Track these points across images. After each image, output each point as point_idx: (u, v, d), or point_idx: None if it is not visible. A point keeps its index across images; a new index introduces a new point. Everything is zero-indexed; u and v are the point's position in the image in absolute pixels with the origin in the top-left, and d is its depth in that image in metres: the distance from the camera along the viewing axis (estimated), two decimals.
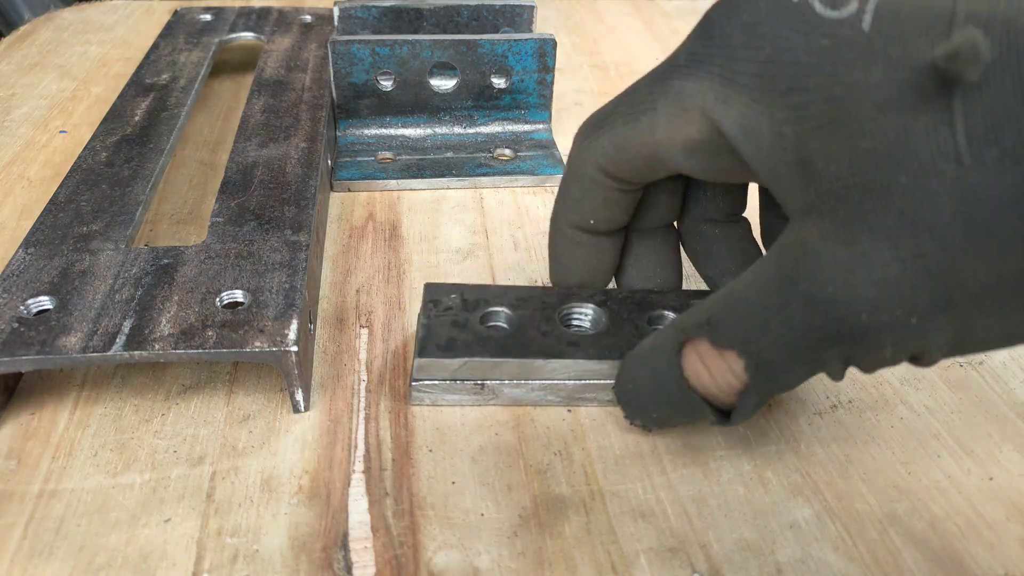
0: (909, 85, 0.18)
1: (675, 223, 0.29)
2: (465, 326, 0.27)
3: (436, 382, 0.26)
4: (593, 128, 0.25)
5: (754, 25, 0.21)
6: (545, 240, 0.35)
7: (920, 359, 0.20)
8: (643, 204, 0.28)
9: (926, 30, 0.19)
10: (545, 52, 0.41)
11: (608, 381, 0.26)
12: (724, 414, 0.23)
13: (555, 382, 0.26)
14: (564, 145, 0.43)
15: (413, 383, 0.26)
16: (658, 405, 0.24)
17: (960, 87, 0.18)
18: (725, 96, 0.22)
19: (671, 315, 0.28)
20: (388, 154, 0.40)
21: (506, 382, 0.26)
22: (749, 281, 0.21)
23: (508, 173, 0.39)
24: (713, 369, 0.22)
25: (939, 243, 0.18)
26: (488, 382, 0.26)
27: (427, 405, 0.27)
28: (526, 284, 0.33)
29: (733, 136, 0.22)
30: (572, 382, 0.26)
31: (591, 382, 0.27)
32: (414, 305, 0.32)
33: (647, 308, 0.28)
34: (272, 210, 0.31)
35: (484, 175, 0.39)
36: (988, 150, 0.18)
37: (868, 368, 0.21)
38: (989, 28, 0.18)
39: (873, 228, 0.19)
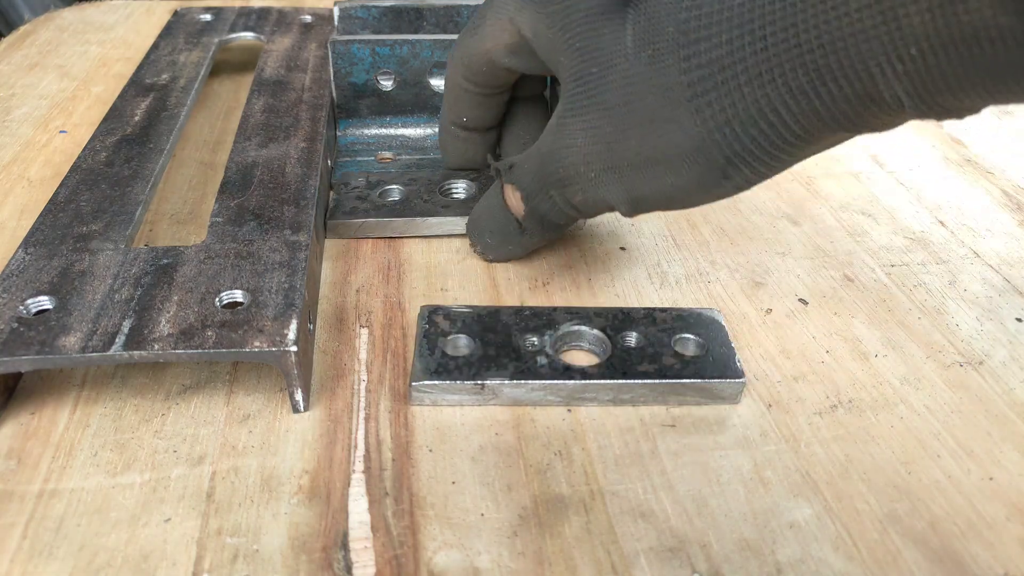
0: None
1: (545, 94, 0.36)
2: (366, 199, 0.36)
3: (436, 383, 0.26)
4: (457, 41, 0.32)
5: None
6: None
7: (615, 210, 0.28)
8: (520, 80, 0.34)
9: None
10: None
11: (607, 382, 0.27)
12: (521, 229, 0.31)
13: (554, 383, 0.27)
14: None
15: (413, 383, 0.27)
16: (490, 225, 0.32)
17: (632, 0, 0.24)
18: (521, 7, 0.28)
19: None
20: (388, 154, 0.40)
21: (506, 382, 0.27)
22: (539, 139, 0.29)
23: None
24: (513, 197, 0.30)
25: (610, 120, 0.25)
26: (488, 382, 0.27)
27: (428, 405, 0.27)
28: (527, 286, 0.33)
29: (528, 37, 0.28)
30: (571, 382, 0.27)
31: (591, 382, 0.27)
32: (414, 305, 0.32)
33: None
34: (272, 210, 0.31)
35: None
36: (644, 49, 0.24)
37: (583, 210, 0.29)
38: None
39: (576, 106, 0.26)
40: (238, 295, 0.27)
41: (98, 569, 0.22)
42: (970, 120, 0.49)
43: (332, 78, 0.40)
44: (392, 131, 0.41)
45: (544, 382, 0.27)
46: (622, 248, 0.36)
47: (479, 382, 0.27)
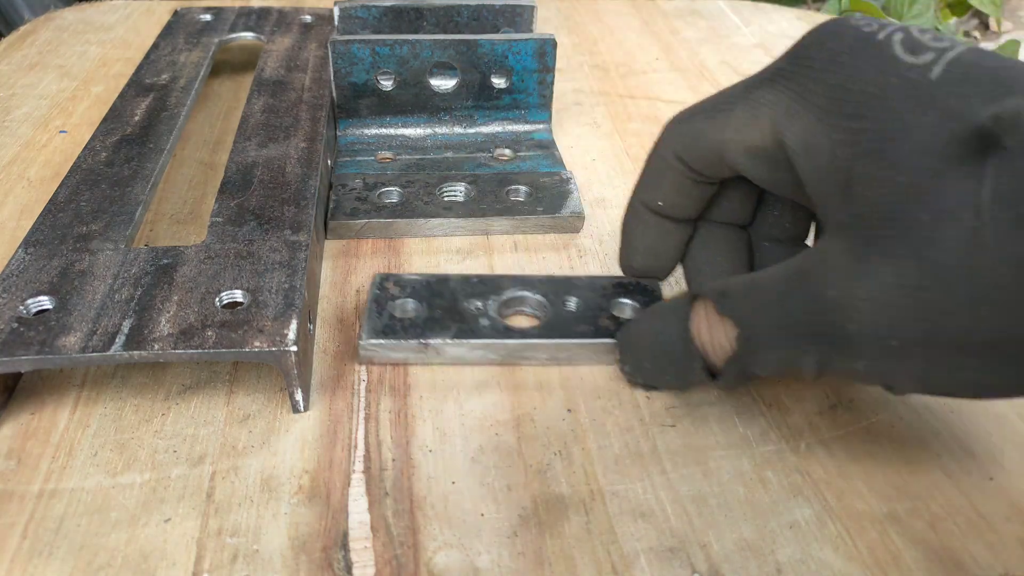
0: (954, 136, 0.20)
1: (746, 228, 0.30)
2: (366, 200, 0.35)
3: (382, 342, 0.28)
4: (680, 117, 0.27)
5: (836, 52, 0.22)
6: (544, 241, 0.35)
7: (890, 388, 0.22)
8: (717, 198, 0.29)
9: (985, 92, 0.20)
10: (545, 52, 0.40)
11: (544, 341, 0.28)
12: (710, 375, 0.25)
13: (493, 342, 0.28)
14: (563, 145, 0.43)
15: (360, 342, 0.28)
16: (656, 354, 0.26)
17: (997, 149, 0.19)
18: (794, 111, 0.23)
19: (524, 188, 0.36)
20: (388, 154, 0.40)
21: (448, 342, 0.28)
22: (771, 271, 0.23)
23: (517, 213, 0.36)
24: (713, 330, 0.24)
25: (939, 283, 0.19)
26: (431, 342, 0.28)
27: (375, 364, 0.28)
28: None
29: (792, 148, 0.23)
30: (511, 342, 0.28)
31: (529, 342, 0.28)
32: None
33: (505, 184, 0.36)
34: (272, 210, 0.31)
35: (493, 216, 0.36)
36: (1007, 211, 0.19)
37: (838, 376, 0.23)
38: None
39: (886, 252, 0.20)
40: (238, 295, 0.27)
41: (98, 569, 0.22)
42: None
43: (332, 78, 0.40)
44: (392, 131, 0.41)
45: (484, 341, 0.28)
46: None
47: (423, 341, 0.28)
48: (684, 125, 0.27)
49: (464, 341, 0.28)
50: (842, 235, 0.21)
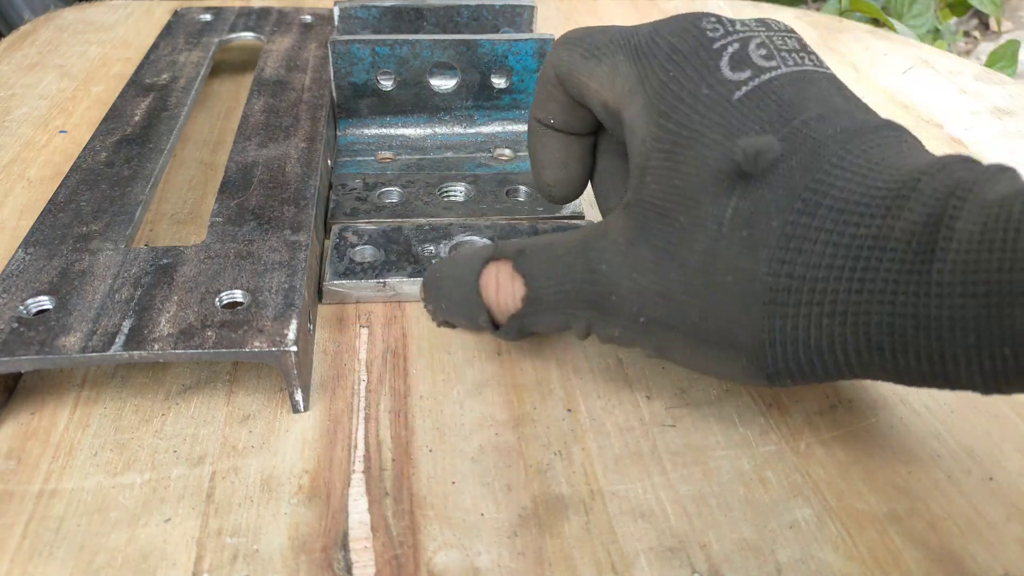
0: (724, 157, 0.22)
1: None
2: (366, 200, 0.36)
3: (344, 282, 0.31)
4: (567, 41, 0.28)
5: (675, 49, 0.24)
6: None
7: (634, 348, 0.27)
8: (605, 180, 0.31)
9: (763, 122, 0.22)
10: (545, 52, 0.40)
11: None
12: (494, 326, 0.27)
13: None
14: None
15: (324, 284, 0.31)
16: (451, 300, 0.27)
17: (744, 177, 0.22)
18: (636, 91, 0.25)
19: (524, 188, 0.36)
20: (388, 154, 0.40)
21: (404, 280, 0.31)
22: (566, 236, 0.26)
23: (517, 213, 0.36)
24: (503, 288, 0.26)
25: (683, 278, 0.23)
26: (388, 280, 0.31)
27: (337, 303, 0.31)
28: None
29: (625, 122, 0.25)
30: None
31: None
32: (415, 305, 0.32)
33: (505, 184, 0.37)
34: (272, 210, 0.31)
35: (493, 216, 0.36)
36: (741, 230, 0.22)
37: (602, 339, 0.25)
38: (791, 141, 0.22)
39: (652, 242, 0.23)
40: (238, 295, 0.27)
41: (98, 569, 0.22)
42: (970, 120, 0.49)
43: (332, 78, 0.40)
44: (392, 131, 0.41)
45: None
46: None
47: (381, 280, 0.31)
48: (564, 51, 0.27)
49: (419, 279, 0.31)
50: (627, 214, 0.24)
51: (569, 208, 0.36)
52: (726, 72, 0.23)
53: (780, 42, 0.24)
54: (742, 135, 0.22)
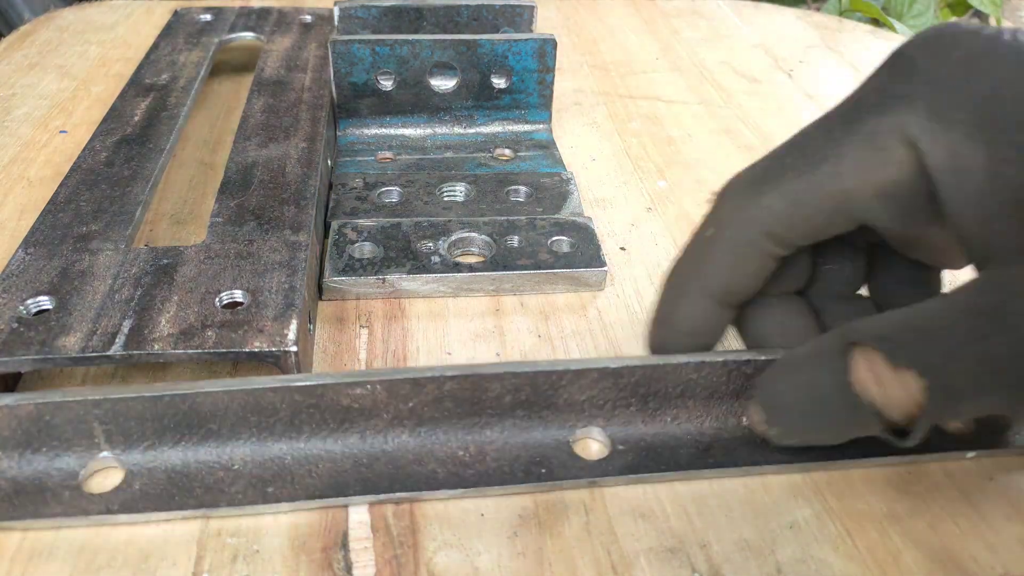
0: None
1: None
2: (366, 200, 0.36)
3: (344, 279, 0.31)
4: (754, 184, 0.23)
5: (970, 60, 0.20)
6: None
7: None
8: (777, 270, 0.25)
9: None
10: (545, 52, 0.40)
11: (489, 273, 0.31)
12: (896, 432, 0.21)
13: (444, 275, 0.31)
14: (563, 145, 0.43)
15: (324, 280, 0.31)
16: (811, 410, 0.22)
17: None
18: (932, 131, 0.20)
19: (524, 188, 0.37)
20: (388, 154, 0.40)
21: (403, 276, 0.31)
22: (934, 309, 0.20)
23: (517, 213, 0.35)
24: (886, 384, 0.20)
25: None
26: (388, 277, 0.31)
27: (337, 299, 0.31)
28: None
29: (939, 173, 0.20)
30: (459, 275, 0.31)
31: (476, 274, 0.31)
32: (415, 305, 0.32)
33: (506, 184, 0.37)
34: (272, 210, 0.31)
35: (493, 216, 0.35)
36: None
37: None
38: None
39: None
40: (238, 295, 0.27)
41: (98, 569, 0.22)
42: None
43: (332, 78, 0.40)
44: (392, 131, 0.41)
45: (436, 275, 0.31)
46: (622, 248, 0.36)
47: (380, 277, 0.31)
48: (770, 193, 0.22)
49: (418, 276, 0.31)
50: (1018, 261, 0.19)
51: (569, 208, 0.36)
52: None
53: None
54: None
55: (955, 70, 0.20)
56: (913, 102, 0.20)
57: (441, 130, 0.42)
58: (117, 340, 0.25)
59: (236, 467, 0.23)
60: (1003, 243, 0.20)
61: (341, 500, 0.23)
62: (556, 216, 0.35)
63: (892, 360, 0.20)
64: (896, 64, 0.21)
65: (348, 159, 0.40)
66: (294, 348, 0.25)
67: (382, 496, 0.23)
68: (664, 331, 0.25)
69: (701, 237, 0.24)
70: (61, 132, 0.43)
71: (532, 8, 0.44)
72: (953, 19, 1.43)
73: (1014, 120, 0.19)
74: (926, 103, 0.20)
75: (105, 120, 0.38)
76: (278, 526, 0.23)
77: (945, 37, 0.21)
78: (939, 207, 0.21)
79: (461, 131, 0.42)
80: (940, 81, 0.20)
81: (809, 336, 0.24)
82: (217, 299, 0.27)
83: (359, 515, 0.23)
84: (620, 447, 0.25)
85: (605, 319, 0.31)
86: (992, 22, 1.57)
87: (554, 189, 0.37)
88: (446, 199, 0.36)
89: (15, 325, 0.25)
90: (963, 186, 0.20)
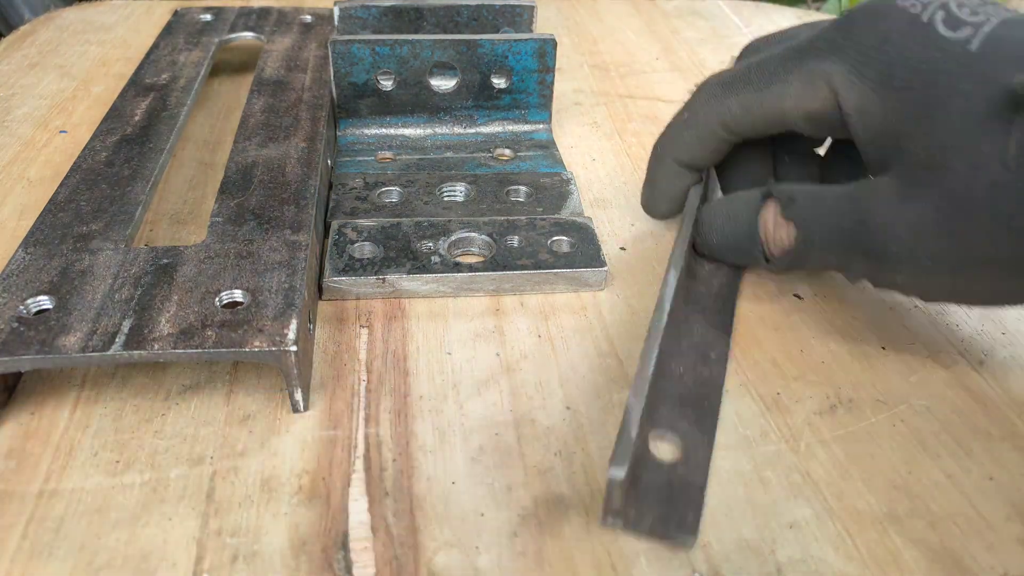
0: (988, 100, 0.24)
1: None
2: (366, 199, 0.36)
3: (344, 278, 0.31)
4: (723, 88, 0.31)
5: (888, 33, 0.27)
6: None
7: (922, 297, 0.28)
8: (740, 168, 0.34)
9: (1016, 61, 0.24)
10: (545, 52, 0.41)
11: (489, 274, 0.31)
12: (765, 259, 0.30)
13: (445, 275, 0.31)
14: (563, 145, 0.43)
15: (324, 280, 0.31)
16: (724, 235, 0.31)
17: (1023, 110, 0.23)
18: (850, 82, 0.27)
19: (524, 188, 0.37)
20: (388, 154, 0.40)
21: (403, 276, 0.31)
22: (830, 189, 0.28)
23: (517, 213, 0.35)
24: (774, 227, 0.29)
25: (968, 220, 0.24)
26: (388, 277, 0.31)
27: (337, 299, 0.31)
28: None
29: (849, 113, 0.28)
30: (459, 275, 0.31)
31: (476, 274, 0.31)
32: (415, 306, 0.32)
33: (506, 184, 0.37)
34: (272, 210, 0.31)
35: (493, 216, 0.35)
36: None
37: (877, 283, 0.28)
38: None
39: (926, 192, 0.25)
40: (238, 295, 0.27)
41: (98, 569, 0.22)
42: None
43: (332, 78, 0.40)
44: (392, 131, 0.41)
45: (436, 275, 0.31)
46: (622, 248, 0.36)
47: (380, 276, 0.31)
48: (731, 98, 0.30)
49: (418, 276, 0.31)
50: (890, 175, 0.26)
51: (569, 208, 0.36)
52: (947, 34, 0.25)
53: (968, 4, 0.26)
54: (1000, 76, 0.24)
55: (876, 39, 0.27)
56: (844, 57, 0.27)
57: (441, 130, 0.42)
58: (117, 340, 0.25)
59: None
60: (879, 164, 0.27)
61: None
62: (556, 216, 0.35)
63: (784, 212, 0.29)
64: (843, 22, 0.28)
65: (348, 159, 0.40)
66: (294, 348, 0.25)
67: None
68: (649, 190, 0.35)
69: (679, 119, 0.33)
70: (61, 132, 0.43)
71: (532, 8, 0.44)
72: None
73: (903, 83, 0.26)
74: (851, 60, 0.27)
75: (105, 120, 0.38)
76: (278, 526, 0.23)
77: (880, 10, 0.27)
78: (847, 130, 0.28)
79: (461, 131, 0.42)
80: (863, 45, 0.27)
81: (681, 196, 0.34)
82: (217, 299, 0.27)
83: (359, 515, 0.23)
84: None
85: (605, 319, 0.31)
86: None
87: (554, 189, 0.37)
88: (446, 199, 0.36)
89: (15, 325, 0.25)
90: (865, 124, 0.27)
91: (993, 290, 0.26)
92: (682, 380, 0.27)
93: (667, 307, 0.27)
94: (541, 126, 0.43)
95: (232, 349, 0.25)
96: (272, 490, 0.24)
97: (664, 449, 0.25)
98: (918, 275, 0.26)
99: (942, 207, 0.25)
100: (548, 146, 0.42)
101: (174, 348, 0.25)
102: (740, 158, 0.34)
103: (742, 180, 0.33)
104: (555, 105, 0.44)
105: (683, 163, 0.33)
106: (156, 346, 0.25)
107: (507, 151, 0.41)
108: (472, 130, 0.42)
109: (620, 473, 0.22)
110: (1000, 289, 0.26)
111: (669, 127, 0.33)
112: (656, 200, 0.35)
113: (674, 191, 0.34)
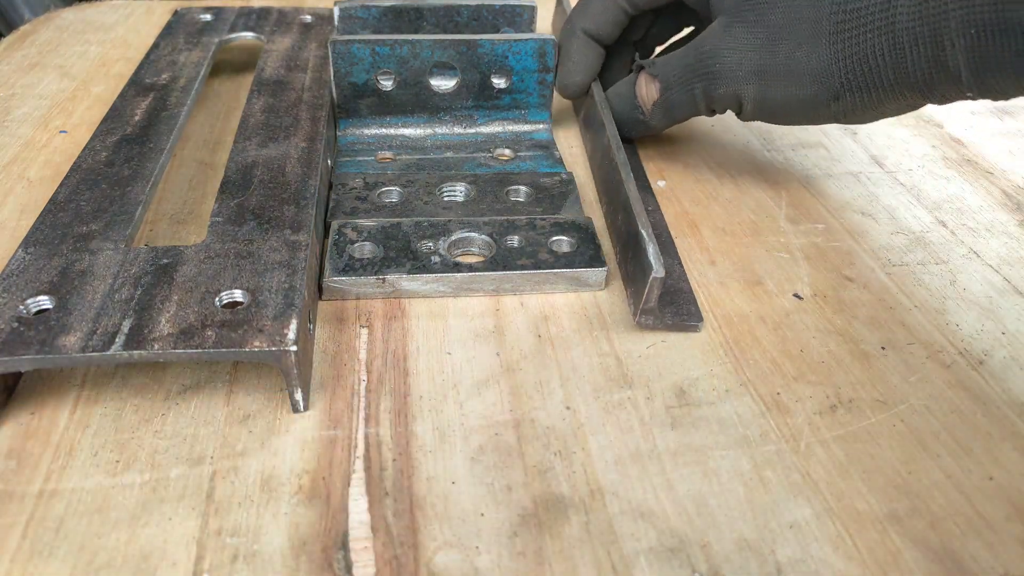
0: None
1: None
2: (366, 199, 0.36)
3: (344, 278, 0.31)
4: None
5: None
6: None
7: (740, 110, 0.36)
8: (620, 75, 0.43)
9: None
10: (545, 52, 0.40)
11: (489, 273, 0.32)
12: (646, 116, 0.40)
13: (444, 275, 0.31)
14: (563, 145, 0.43)
15: (324, 280, 0.31)
16: (617, 111, 0.40)
17: None
18: None
19: (524, 188, 0.37)
20: (388, 154, 0.40)
21: (403, 276, 0.31)
22: (679, 48, 0.39)
23: (517, 213, 0.36)
24: (646, 88, 0.39)
25: (769, 34, 0.34)
26: (388, 277, 0.31)
27: (337, 299, 0.31)
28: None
29: None
30: (459, 275, 0.31)
31: (476, 274, 0.32)
32: (415, 306, 0.32)
33: (506, 184, 0.37)
34: (272, 210, 0.31)
35: (493, 216, 0.35)
36: None
37: (715, 104, 0.37)
38: None
39: (743, 22, 0.34)
40: (238, 295, 0.27)
41: (98, 569, 0.22)
42: (970, 120, 0.49)
43: (332, 78, 0.40)
44: (392, 131, 0.41)
45: (436, 275, 0.31)
46: None
47: (380, 276, 0.31)
48: None
49: (418, 276, 0.31)
50: (721, 16, 0.35)
51: (569, 208, 0.36)
52: None
53: None
54: None
55: None
56: None
57: (441, 130, 0.42)
58: (117, 340, 0.25)
59: None
60: (715, 9, 0.36)
61: None
62: (556, 216, 0.35)
63: (650, 72, 0.38)
64: None
65: (348, 159, 0.40)
66: (294, 348, 0.25)
67: None
68: (563, 65, 0.41)
69: None
70: (61, 132, 0.43)
71: (532, 8, 0.44)
72: None
73: None
74: None
75: (105, 120, 0.38)
76: (278, 526, 0.23)
77: None
78: None
79: (461, 131, 0.42)
80: None
81: (593, 70, 0.42)
82: (217, 299, 0.27)
83: (359, 515, 0.23)
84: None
85: (605, 319, 0.31)
86: None
87: (554, 189, 0.37)
88: (446, 199, 0.36)
89: (15, 325, 0.25)
90: None
91: (791, 97, 0.34)
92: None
93: (630, 175, 0.34)
94: (541, 126, 0.43)
95: (232, 349, 0.25)
96: (272, 490, 0.24)
97: (658, 268, 0.29)
98: (736, 84, 0.35)
99: (754, 31, 0.34)
100: (548, 146, 0.42)
101: (174, 348, 0.25)
102: (615, 71, 0.43)
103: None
104: (555, 105, 0.44)
105: (590, 33, 0.40)
106: (156, 346, 0.25)
107: (507, 151, 0.41)
108: (472, 130, 0.42)
109: (662, 272, 0.29)
110: (796, 96, 0.34)
111: (579, 3, 0.41)
112: (570, 73, 0.41)
113: (587, 63, 0.41)
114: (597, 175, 0.39)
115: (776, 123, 0.37)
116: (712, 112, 0.37)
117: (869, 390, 0.28)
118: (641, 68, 0.39)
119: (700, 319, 0.31)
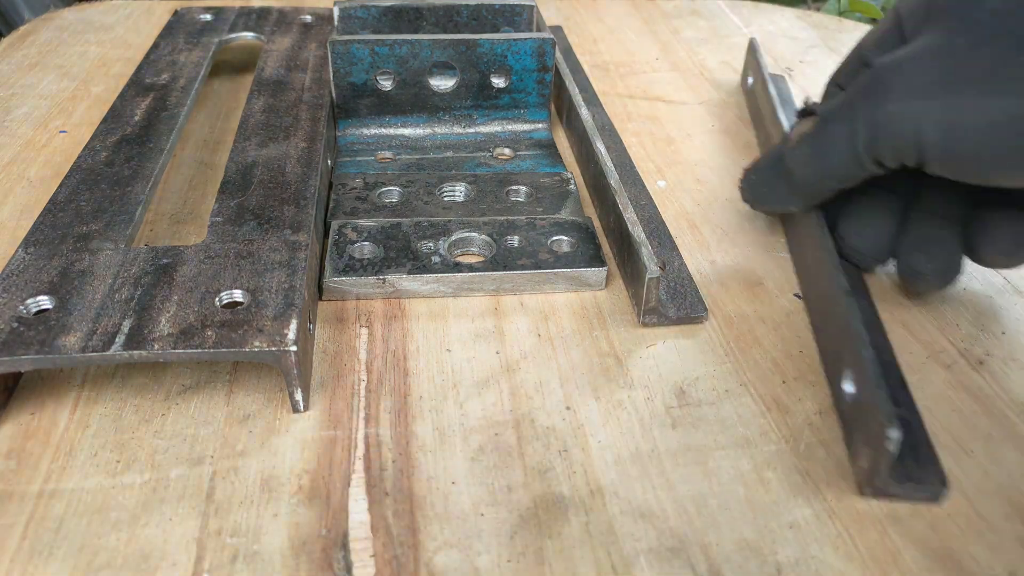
0: None
1: None
2: (366, 199, 0.36)
3: (344, 279, 0.31)
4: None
5: None
6: None
7: (918, 152, 0.27)
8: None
9: None
10: (544, 51, 0.40)
11: (489, 273, 0.31)
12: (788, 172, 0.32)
13: (445, 275, 0.31)
14: (564, 144, 0.43)
15: (324, 281, 0.31)
16: (760, 168, 0.34)
17: None
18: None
19: (524, 188, 0.37)
20: (388, 154, 0.40)
21: (404, 277, 0.31)
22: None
23: (517, 213, 0.35)
24: (799, 127, 0.32)
25: (954, 49, 0.27)
26: (388, 277, 0.31)
27: (337, 300, 0.31)
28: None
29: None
30: (460, 275, 0.31)
31: (476, 274, 0.31)
32: (415, 306, 0.32)
33: (506, 184, 0.37)
34: (272, 210, 0.31)
35: (493, 216, 0.35)
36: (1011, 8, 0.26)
37: (880, 144, 0.28)
38: None
39: (924, 30, 0.29)
40: (238, 295, 0.27)
41: (98, 569, 0.22)
42: None
43: (332, 78, 0.40)
44: (392, 131, 0.41)
45: (436, 275, 0.31)
46: None
47: (381, 277, 0.31)
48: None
49: (418, 276, 0.31)
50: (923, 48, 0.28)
51: (569, 208, 0.36)
52: None
53: None
54: None
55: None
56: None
57: (441, 130, 0.42)
58: (117, 340, 0.25)
59: None
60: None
61: None
62: (556, 216, 0.35)
63: (812, 107, 0.34)
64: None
65: (348, 159, 0.40)
66: (294, 348, 0.25)
67: None
68: (758, 193, 0.35)
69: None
70: (61, 132, 0.43)
71: (532, 8, 0.44)
72: None
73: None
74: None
75: (105, 120, 0.38)
76: (278, 526, 0.23)
77: None
78: None
79: (461, 131, 0.42)
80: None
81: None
82: (217, 299, 0.27)
83: (359, 515, 0.23)
84: None
85: (605, 319, 0.31)
86: None
87: (554, 189, 0.37)
88: (446, 199, 0.36)
89: (15, 325, 0.25)
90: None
91: (985, 120, 0.26)
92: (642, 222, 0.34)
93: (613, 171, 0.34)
94: (541, 125, 0.43)
95: (232, 349, 0.25)
96: (272, 490, 0.24)
97: (653, 269, 0.30)
98: (913, 101, 0.27)
99: (936, 35, 0.28)
100: (547, 145, 0.42)
101: (174, 348, 0.25)
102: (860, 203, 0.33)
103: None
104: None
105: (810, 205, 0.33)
106: (156, 346, 0.25)
107: (507, 151, 0.41)
108: (472, 130, 0.42)
109: (657, 272, 0.29)
110: (987, 118, 0.26)
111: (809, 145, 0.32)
112: (763, 203, 0.35)
113: (776, 199, 0.34)
114: (587, 178, 0.39)
115: (969, 175, 0.27)
116: (878, 164, 0.29)
117: None
118: (808, 113, 0.33)
119: (705, 309, 0.31)
